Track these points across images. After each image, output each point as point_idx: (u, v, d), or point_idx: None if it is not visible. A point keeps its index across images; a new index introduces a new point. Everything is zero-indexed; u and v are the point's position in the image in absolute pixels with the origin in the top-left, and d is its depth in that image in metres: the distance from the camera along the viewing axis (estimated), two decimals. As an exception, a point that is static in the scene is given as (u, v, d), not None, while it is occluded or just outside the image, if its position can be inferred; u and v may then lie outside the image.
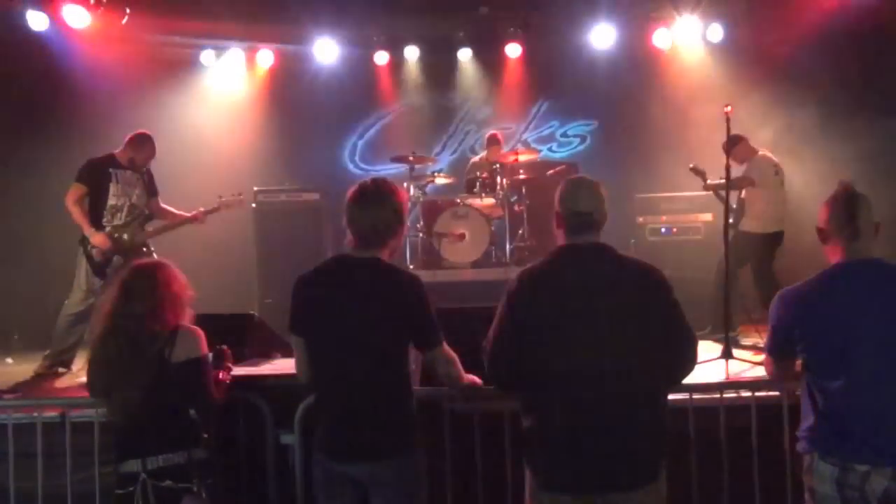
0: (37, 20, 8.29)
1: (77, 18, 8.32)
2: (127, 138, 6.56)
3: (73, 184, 6.34)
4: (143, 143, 6.54)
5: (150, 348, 3.40)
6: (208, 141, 9.38)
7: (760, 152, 7.12)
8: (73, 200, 6.29)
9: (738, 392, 4.30)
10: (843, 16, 8.29)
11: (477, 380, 3.54)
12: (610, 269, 3.11)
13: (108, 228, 6.37)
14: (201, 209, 6.78)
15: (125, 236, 6.41)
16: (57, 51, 8.52)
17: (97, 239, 6.29)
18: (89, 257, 6.33)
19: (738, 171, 6.76)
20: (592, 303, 3.00)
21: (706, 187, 7.05)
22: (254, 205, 8.82)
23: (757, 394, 4.09)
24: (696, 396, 4.06)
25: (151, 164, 6.68)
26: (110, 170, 6.42)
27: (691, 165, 7.00)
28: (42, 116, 8.59)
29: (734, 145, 6.58)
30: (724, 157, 6.15)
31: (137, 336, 3.40)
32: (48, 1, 8.26)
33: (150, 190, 6.69)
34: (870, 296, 3.04)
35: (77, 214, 6.28)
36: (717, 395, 4.13)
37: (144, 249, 6.51)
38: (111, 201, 6.40)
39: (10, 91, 8.29)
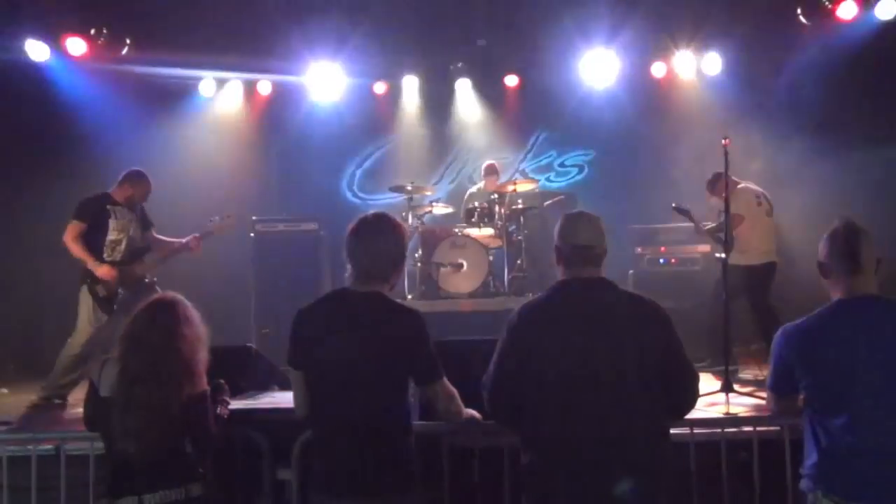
0: (37, 50, 8.34)
1: (78, 49, 8.37)
2: (122, 175, 6.58)
3: (72, 221, 6.31)
4: (139, 181, 6.57)
5: (166, 395, 3.36)
6: (207, 171, 9.39)
7: (741, 185, 7.11)
8: (72, 237, 6.26)
9: (739, 427, 4.26)
10: (838, 47, 8.36)
11: (477, 415, 3.51)
12: (610, 303, 3.10)
13: (108, 261, 6.36)
14: (194, 235, 6.78)
15: (125, 268, 6.40)
16: (57, 81, 8.58)
17: (102, 271, 6.27)
18: (94, 294, 6.31)
19: (720, 205, 6.74)
20: (593, 338, 3.00)
21: (698, 230, 7.02)
22: (252, 234, 8.81)
23: (758, 429, 4.06)
24: (697, 431, 4.03)
25: (148, 198, 6.69)
26: (108, 206, 6.44)
27: (674, 204, 6.96)
28: (40, 147, 8.61)
29: (714, 184, 6.63)
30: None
31: (161, 384, 3.37)
32: (49, 31, 8.32)
33: (145, 223, 6.73)
34: (871, 333, 3.03)
35: (78, 251, 6.25)
36: (719, 430, 4.10)
37: (146, 280, 6.55)
38: (111, 236, 6.40)
39: (8, 121, 8.30)
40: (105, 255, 6.37)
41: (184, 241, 6.77)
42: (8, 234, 8.44)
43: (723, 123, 8.18)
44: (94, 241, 6.33)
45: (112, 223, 6.42)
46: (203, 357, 3.53)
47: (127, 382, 3.38)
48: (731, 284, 6.15)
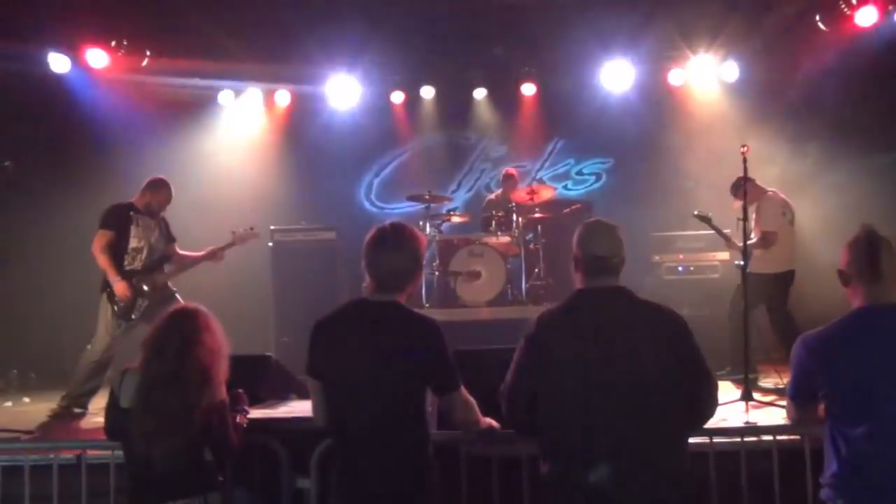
0: (58, 62, 8.42)
1: (99, 61, 8.46)
2: (144, 183, 6.63)
3: (99, 230, 6.36)
4: (159, 188, 6.60)
5: (186, 402, 3.39)
6: (226, 180, 9.45)
7: (769, 192, 7.06)
8: (99, 247, 6.31)
9: (759, 436, 4.23)
10: (856, 53, 8.31)
11: (495, 424, 3.51)
12: (629, 312, 3.09)
13: (129, 269, 6.40)
14: (214, 247, 6.82)
15: (144, 285, 6.43)
16: (78, 93, 8.66)
17: (119, 288, 6.30)
18: (113, 302, 6.36)
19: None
20: (611, 347, 2.99)
21: (723, 237, 6.95)
22: (270, 244, 8.85)
23: (779, 438, 4.03)
24: (716, 440, 4.00)
25: (168, 207, 6.73)
26: (131, 213, 6.49)
27: (695, 212, 6.92)
28: (62, 157, 8.70)
29: (739, 188, 6.58)
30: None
31: (180, 391, 3.39)
32: (70, 44, 8.41)
33: (168, 236, 6.76)
34: (892, 342, 3.01)
35: (104, 262, 6.30)
36: (738, 440, 4.07)
37: (167, 289, 6.58)
38: (132, 244, 6.45)
39: (30, 132, 8.39)
40: (126, 263, 6.41)
41: (203, 253, 6.81)
42: (30, 245, 8.51)
43: (741, 130, 8.16)
44: (117, 248, 6.38)
45: (133, 230, 6.46)
46: (223, 367, 3.56)
47: (146, 388, 3.41)
48: (750, 292, 6.12)
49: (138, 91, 8.92)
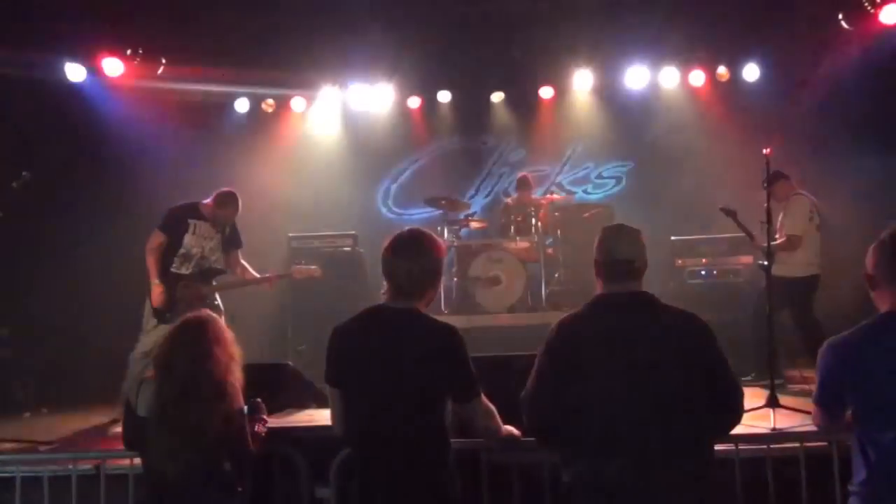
0: (74, 72, 8.50)
1: (114, 70, 8.53)
2: (214, 193, 6.64)
3: (155, 230, 6.49)
4: (226, 203, 6.60)
5: (199, 415, 3.40)
6: (242, 187, 9.39)
7: (797, 194, 7.02)
8: (150, 247, 6.43)
9: (785, 443, 4.20)
10: (880, 51, 8.25)
11: (516, 432, 3.50)
12: (651, 318, 3.09)
13: (174, 272, 6.45)
14: (271, 273, 6.83)
15: (187, 293, 6.43)
16: (94, 102, 8.74)
17: (155, 293, 6.38)
18: (151, 301, 6.44)
19: (775, 208, 6.65)
20: (634, 353, 2.98)
21: (754, 244, 6.88)
22: (288, 251, 8.87)
23: (806, 445, 3.99)
24: (742, 447, 3.97)
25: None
26: (189, 220, 6.54)
27: (720, 206, 6.89)
28: (80, 167, 8.71)
29: (773, 183, 6.51)
30: (761, 197, 6.08)
31: (192, 405, 3.40)
32: (86, 53, 8.49)
33: (233, 242, 6.74)
34: (921, 346, 2.97)
35: (149, 262, 6.40)
36: (765, 446, 4.04)
37: (209, 302, 6.48)
38: (182, 250, 6.50)
39: (47, 142, 8.45)
40: (174, 267, 6.47)
41: (261, 276, 6.79)
42: (49, 256, 8.56)
43: (763, 132, 8.10)
44: (167, 249, 6.47)
45: (188, 237, 6.51)
46: (237, 376, 3.56)
47: (160, 404, 3.42)
48: (775, 296, 6.07)
49: (154, 99, 8.99)
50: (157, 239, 6.45)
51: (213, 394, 3.43)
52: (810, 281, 6.88)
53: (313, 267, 7.03)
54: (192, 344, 3.48)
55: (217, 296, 6.65)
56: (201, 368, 3.44)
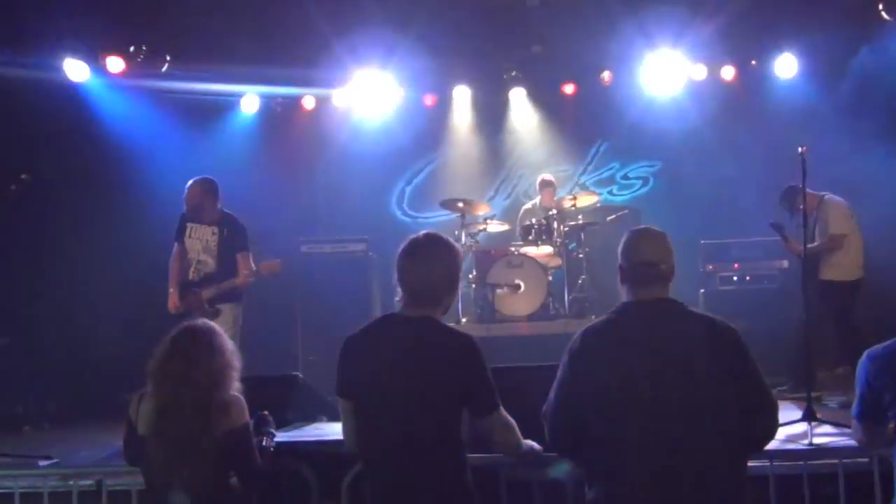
0: (76, 70, 8.57)
1: (117, 67, 8.60)
2: None
3: None
4: (188, 190, 6.64)
5: (195, 426, 3.41)
6: (250, 189, 9.50)
7: (825, 197, 6.97)
8: (172, 258, 6.67)
9: (823, 459, 4.17)
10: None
11: (536, 447, 3.49)
12: (680, 326, 3.07)
13: (185, 281, 6.58)
14: (242, 275, 6.62)
15: (192, 299, 6.51)
16: (97, 101, 8.81)
17: (170, 302, 6.57)
18: None
19: (798, 219, 6.61)
20: (661, 364, 2.96)
21: (791, 249, 6.85)
22: (297, 256, 8.87)
23: (844, 461, 3.96)
24: (777, 464, 3.95)
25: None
26: (186, 223, 6.68)
27: (771, 221, 6.87)
28: (83, 169, 8.77)
29: (791, 199, 6.52)
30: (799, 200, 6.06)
31: (187, 415, 3.41)
32: (88, 51, 8.56)
33: (233, 244, 6.63)
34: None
35: (170, 271, 6.64)
36: (801, 463, 4.01)
37: (207, 308, 6.44)
38: (189, 255, 6.66)
39: (49, 143, 8.51)
40: (190, 274, 6.62)
41: (234, 280, 6.61)
42: (50, 262, 8.60)
43: (799, 129, 8.06)
44: (180, 255, 6.67)
45: (187, 241, 6.66)
46: (234, 387, 3.56)
47: (156, 416, 3.44)
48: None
49: (159, 99, 9.07)
50: (175, 248, 6.68)
51: (207, 404, 3.43)
52: (853, 286, 6.84)
53: (277, 261, 6.90)
54: (186, 354, 3.49)
55: (220, 304, 6.60)
56: (192, 378, 3.44)
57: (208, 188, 6.66)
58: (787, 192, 6.89)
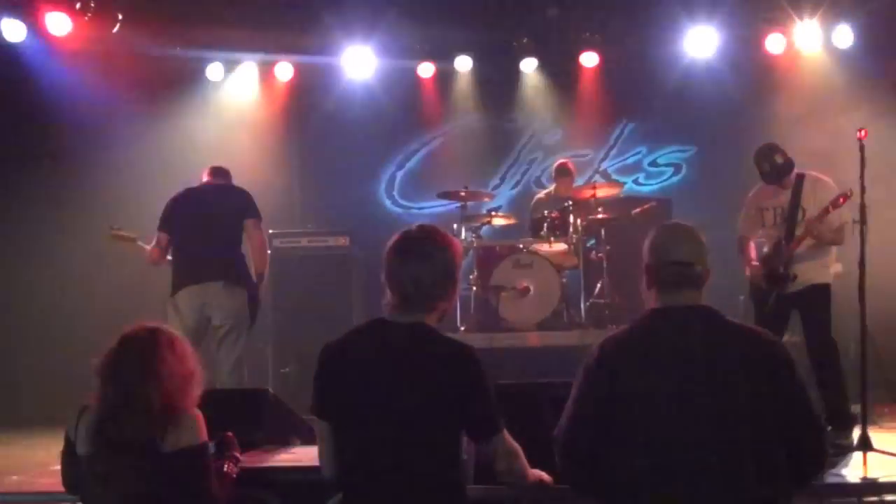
0: (12, 30, 8.56)
1: (60, 27, 8.58)
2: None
3: None
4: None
5: (143, 434, 3.40)
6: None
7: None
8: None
9: (881, 495, 4.19)
10: None
11: (546, 477, 3.50)
12: (714, 337, 3.08)
13: None
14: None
15: None
16: (36, 65, 8.79)
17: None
18: None
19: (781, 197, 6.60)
20: (693, 383, 2.98)
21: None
22: (269, 251, 8.90)
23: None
24: (828, 500, 3.96)
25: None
26: None
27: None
28: (21, 143, 8.80)
29: (787, 175, 6.49)
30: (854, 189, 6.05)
31: (136, 419, 3.40)
32: (26, 8, 8.53)
33: None
34: None
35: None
36: (855, 499, 4.03)
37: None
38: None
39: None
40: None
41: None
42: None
43: (856, 108, 8.07)
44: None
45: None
46: (193, 397, 3.55)
47: (99, 421, 3.42)
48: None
49: (109, 64, 9.03)
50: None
51: (160, 411, 3.41)
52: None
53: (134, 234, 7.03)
54: (141, 352, 3.47)
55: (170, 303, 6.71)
56: (149, 379, 3.42)
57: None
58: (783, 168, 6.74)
